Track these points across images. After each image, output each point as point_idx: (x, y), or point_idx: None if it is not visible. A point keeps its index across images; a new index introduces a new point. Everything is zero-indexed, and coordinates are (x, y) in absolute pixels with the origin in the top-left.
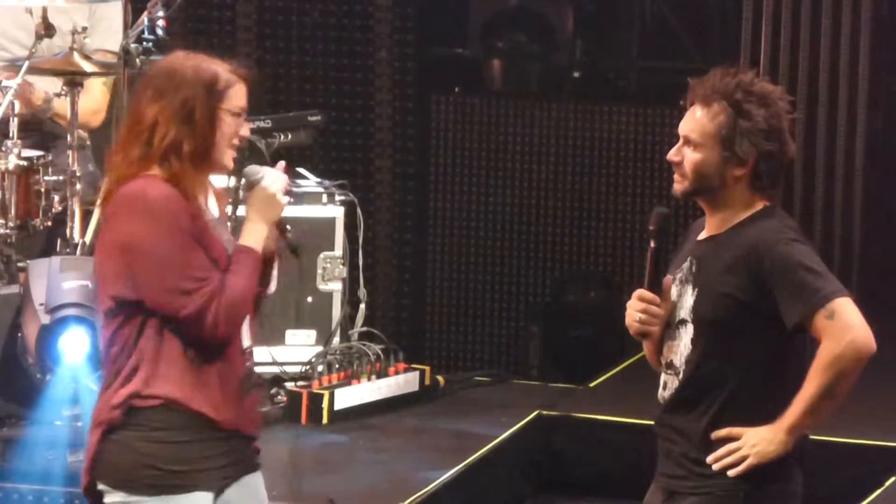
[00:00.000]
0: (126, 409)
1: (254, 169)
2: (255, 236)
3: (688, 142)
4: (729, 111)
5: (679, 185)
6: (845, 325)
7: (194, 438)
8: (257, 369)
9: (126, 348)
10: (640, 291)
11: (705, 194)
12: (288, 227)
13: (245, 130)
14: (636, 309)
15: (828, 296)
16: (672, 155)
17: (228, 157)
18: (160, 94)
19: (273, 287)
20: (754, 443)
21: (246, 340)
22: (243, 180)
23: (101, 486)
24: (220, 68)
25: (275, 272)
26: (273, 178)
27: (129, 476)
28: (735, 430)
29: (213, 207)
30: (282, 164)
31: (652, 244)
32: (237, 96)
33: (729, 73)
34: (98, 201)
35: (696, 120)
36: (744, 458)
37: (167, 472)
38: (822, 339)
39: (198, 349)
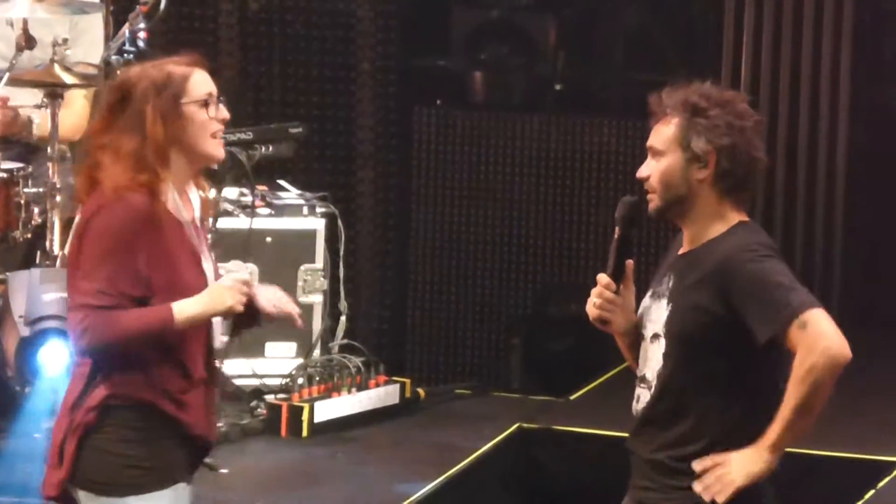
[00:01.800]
0: (101, 411)
1: (236, 265)
2: (186, 309)
3: (653, 153)
4: (685, 114)
5: (651, 204)
6: (818, 334)
7: (167, 438)
8: (236, 381)
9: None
10: (600, 276)
11: (676, 207)
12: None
13: (223, 114)
14: (593, 294)
15: (798, 308)
16: (640, 171)
17: (213, 146)
18: (111, 109)
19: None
20: (740, 466)
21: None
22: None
23: (81, 494)
24: (170, 66)
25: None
26: (237, 277)
27: (112, 480)
28: (718, 458)
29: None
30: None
31: (617, 231)
32: (197, 85)
33: (683, 86)
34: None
35: (657, 131)
36: (732, 483)
37: (149, 470)
38: (796, 352)
39: (165, 350)
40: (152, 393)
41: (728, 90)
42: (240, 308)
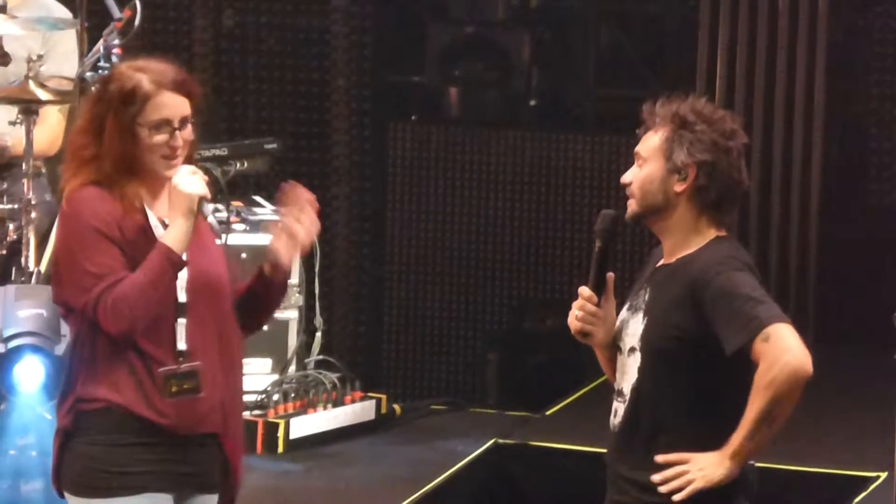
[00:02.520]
0: (75, 415)
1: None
2: (169, 232)
3: (638, 160)
4: (672, 125)
5: (629, 208)
6: (780, 348)
7: (139, 441)
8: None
9: (72, 353)
10: (581, 289)
11: (652, 214)
12: (204, 210)
13: (175, 142)
14: (575, 306)
15: (764, 321)
16: (624, 176)
17: (162, 166)
18: (88, 105)
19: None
20: (701, 467)
21: (182, 344)
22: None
23: (66, 493)
24: (146, 78)
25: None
26: (183, 170)
27: (82, 481)
28: (683, 456)
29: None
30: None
31: (597, 244)
32: (155, 109)
33: (680, 98)
34: None
35: (644, 139)
36: (690, 482)
37: (114, 475)
38: (759, 364)
39: (133, 350)
40: (116, 392)
41: (722, 109)
42: (205, 189)
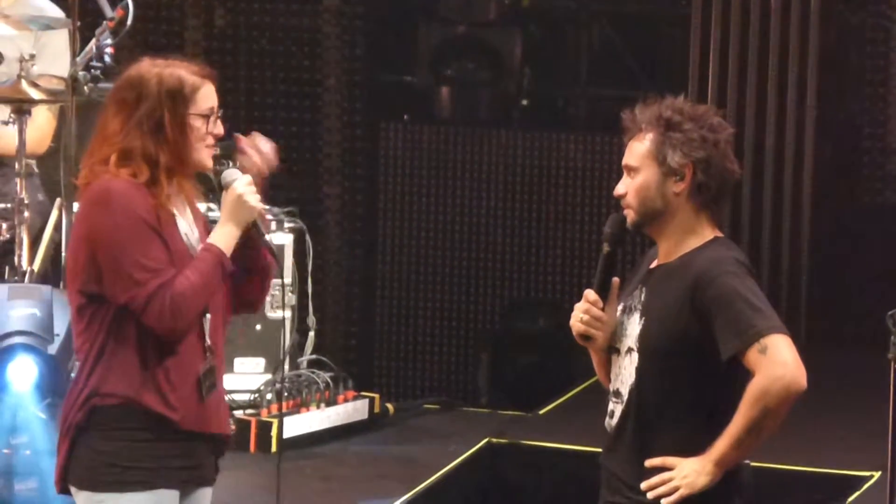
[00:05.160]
0: (89, 410)
1: (231, 172)
2: (222, 237)
3: (629, 171)
4: (659, 129)
5: (629, 218)
6: (776, 361)
7: (153, 437)
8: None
9: (90, 346)
10: (588, 291)
11: (653, 220)
12: (261, 227)
13: (219, 128)
14: (580, 309)
15: (763, 331)
16: (617, 189)
17: (205, 155)
18: (125, 105)
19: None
20: (685, 474)
21: (209, 339)
22: (221, 181)
23: (72, 489)
24: (184, 72)
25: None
26: (245, 181)
27: (91, 475)
28: (669, 460)
29: (188, 217)
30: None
31: (605, 248)
32: (204, 98)
33: (656, 101)
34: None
35: (631, 148)
36: (675, 489)
37: (126, 469)
38: (754, 374)
39: (155, 346)
40: (134, 388)
41: (700, 104)
42: (257, 203)
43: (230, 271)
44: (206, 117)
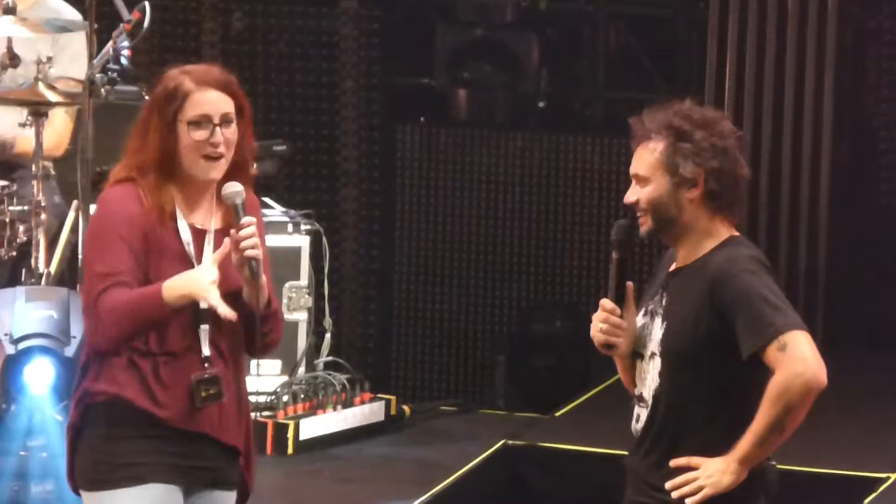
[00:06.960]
0: (82, 410)
1: (233, 191)
2: (177, 291)
3: (638, 180)
4: (668, 139)
5: (644, 227)
6: (796, 358)
7: (139, 434)
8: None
9: (88, 346)
10: (603, 301)
11: (668, 227)
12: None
13: (214, 138)
14: (598, 319)
15: (781, 329)
16: (627, 197)
17: (202, 167)
18: (143, 109)
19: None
20: (709, 473)
21: (206, 349)
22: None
23: (80, 490)
24: (186, 77)
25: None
26: (216, 295)
27: (91, 475)
28: (693, 460)
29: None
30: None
31: (615, 255)
32: (194, 105)
33: (663, 107)
34: None
35: (639, 157)
36: (700, 489)
37: (118, 466)
38: (774, 371)
39: (145, 348)
40: (119, 385)
41: (708, 109)
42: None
43: (167, 322)
44: (197, 125)
